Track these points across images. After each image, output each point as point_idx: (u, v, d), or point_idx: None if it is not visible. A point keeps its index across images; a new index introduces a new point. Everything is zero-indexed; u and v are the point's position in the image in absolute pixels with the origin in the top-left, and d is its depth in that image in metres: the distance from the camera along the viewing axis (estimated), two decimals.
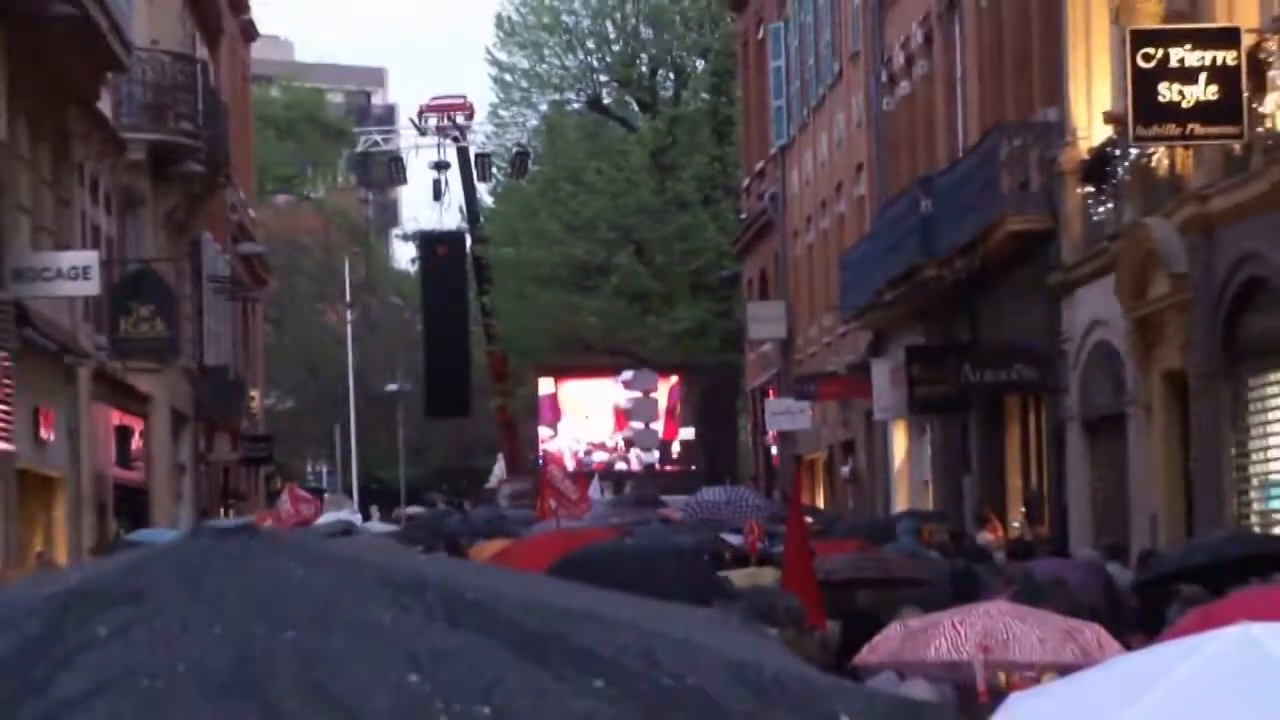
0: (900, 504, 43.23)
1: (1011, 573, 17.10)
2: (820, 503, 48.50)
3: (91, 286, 35.22)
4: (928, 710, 1.80)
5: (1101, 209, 30.24)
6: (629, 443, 76.34)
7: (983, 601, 12.84)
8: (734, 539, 23.32)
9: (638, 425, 76.58)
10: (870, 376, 45.91)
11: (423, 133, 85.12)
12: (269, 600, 1.96)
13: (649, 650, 1.99)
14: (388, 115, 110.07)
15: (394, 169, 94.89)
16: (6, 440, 30.38)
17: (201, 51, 53.12)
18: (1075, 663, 9.78)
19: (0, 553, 25.99)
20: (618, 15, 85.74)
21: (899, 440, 46.69)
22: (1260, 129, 23.66)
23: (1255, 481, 25.20)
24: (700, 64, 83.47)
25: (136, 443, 44.53)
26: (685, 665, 1.99)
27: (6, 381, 29.01)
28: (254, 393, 67.00)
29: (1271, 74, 23.33)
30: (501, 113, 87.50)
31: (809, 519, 23.04)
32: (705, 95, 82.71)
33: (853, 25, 51.22)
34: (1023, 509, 36.35)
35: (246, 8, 68.58)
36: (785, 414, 52.80)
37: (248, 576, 2.01)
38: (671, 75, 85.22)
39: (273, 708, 1.80)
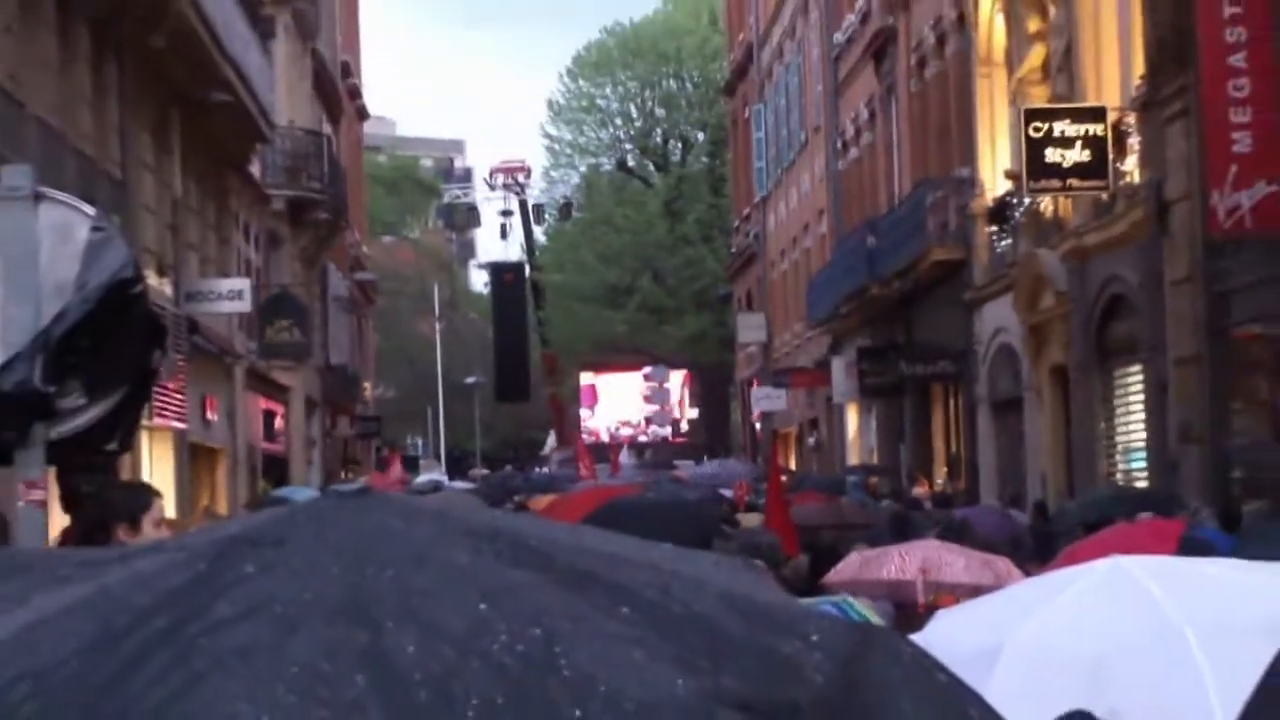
0: (852, 462, 43.27)
1: (937, 517, 17.10)
2: (793, 464, 48.34)
3: (244, 305, 35.26)
4: (876, 631, 1.80)
5: (1003, 243, 30.22)
6: (649, 421, 76.46)
7: (918, 539, 12.89)
8: (727, 493, 23.41)
9: (655, 408, 77.00)
10: (830, 370, 45.88)
11: (492, 188, 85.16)
12: (376, 547, 1.95)
13: (665, 585, 1.97)
14: (465, 175, 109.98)
15: (470, 216, 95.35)
16: (181, 421, 30.42)
17: (326, 128, 53.09)
18: (990, 585, 9.81)
19: (176, 506, 25.96)
20: (639, 99, 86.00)
21: (851, 417, 46.66)
22: (1121, 182, 23.68)
23: (1119, 448, 25.25)
24: (701, 135, 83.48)
25: (278, 423, 44.58)
26: (693, 596, 1.97)
27: (181, 377, 29.05)
28: (366, 384, 67.06)
29: (1130, 141, 23.35)
30: (551, 173, 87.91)
31: (784, 477, 23.10)
32: (704, 159, 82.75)
33: (814, 106, 51.14)
34: (945, 469, 36.34)
35: (359, 94, 68.60)
36: (766, 399, 52.76)
37: (361, 528, 2.00)
38: (679, 144, 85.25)
39: (376, 628, 1.79)
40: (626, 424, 75.28)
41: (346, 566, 1.92)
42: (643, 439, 70.56)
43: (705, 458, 54.30)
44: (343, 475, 46.09)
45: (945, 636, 5.45)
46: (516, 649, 1.81)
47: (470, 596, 1.88)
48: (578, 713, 1.77)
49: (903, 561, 11.46)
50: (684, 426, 76.77)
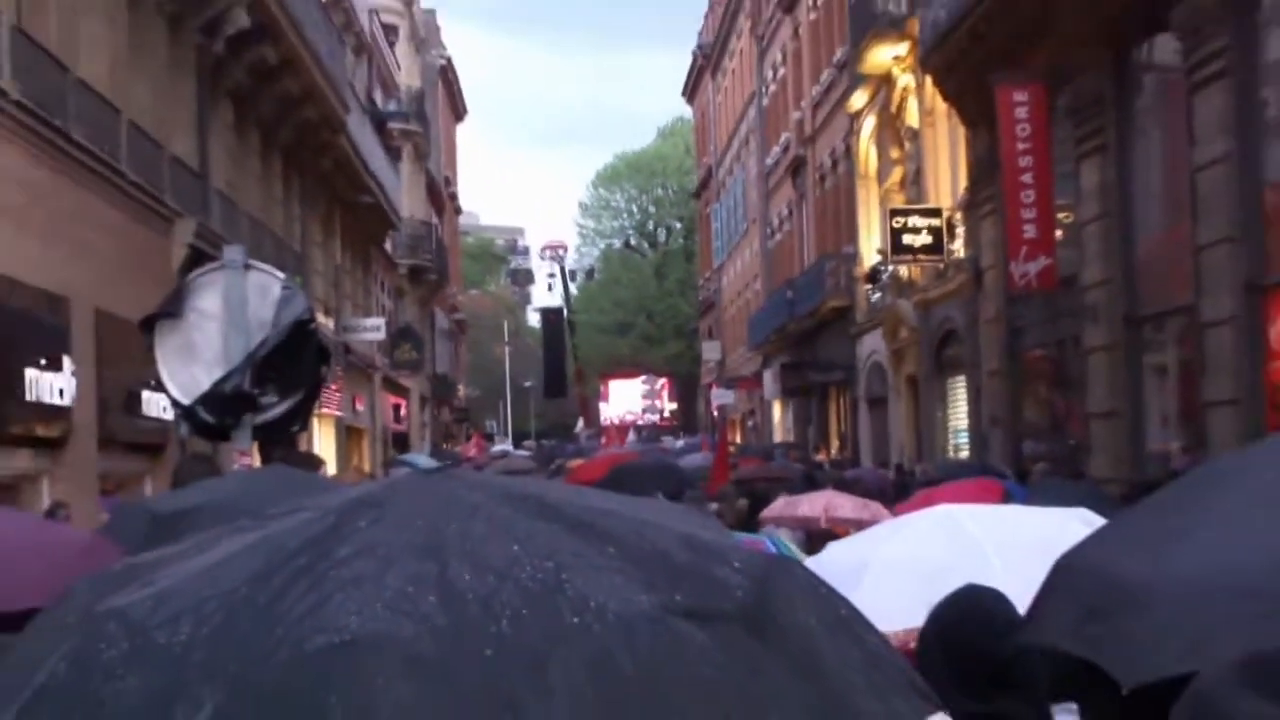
0: (777, 439, 43.14)
1: (833, 475, 17.00)
2: (739, 439, 48.09)
3: (380, 335, 35.23)
4: (781, 560, 1.81)
5: (875, 296, 30.16)
6: (644, 411, 76.44)
7: (820, 490, 12.84)
8: (697, 456, 23.43)
9: (648, 403, 77.22)
10: (762, 378, 45.77)
11: (542, 259, 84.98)
12: (445, 508, 1.97)
13: (639, 530, 1.98)
14: (524, 250, 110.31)
15: (527, 277, 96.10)
16: (339, 411, 30.46)
17: (433, 219, 53.11)
18: (869, 520, 9.74)
19: (336, 467, 25.94)
20: (638, 201, 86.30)
21: (776, 409, 46.49)
22: (952, 257, 23.67)
23: (950, 430, 25.20)
24: (678, 225, 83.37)
25: (402, 411, 44.45)
26: (657, 537, 1.99)
27: (339, 382, 29.09)
28: (460, 386, 66.97)
29: (957, 230, 23.35)
30: (581, 249, 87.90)
31: (731, 448, 23.09)
32: (681, 240, 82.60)
33: (752, 206, 50.97)
34: (837, 442, 36.22)
35: (455, 196, 68.55)
36: (721, 396, 52.28)
37: (438, 495, 2.02)
38: (665, 230, 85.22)
39: (444, 563, 1.81)
40: (630, 413, 75.05)
41: (426, 521, 1.96)
42: (640, 423, 70.39)
43: (680, 435, 54.34)
44: (444, 446, 46.03)
45: (834, 556, 5.48)
46: (537, 576, 1.84)
47: (507, 541, 1.92)
48: (575, 620, 1.79)
49: (811, 504, 11.43)
50: (666, 415, 76.68)
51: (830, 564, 5.16)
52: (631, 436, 49.85)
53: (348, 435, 33.30)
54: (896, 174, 28.47)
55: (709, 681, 1.79)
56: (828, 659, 1.91)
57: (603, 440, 47.46)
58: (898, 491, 14.98)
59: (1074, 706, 3.36)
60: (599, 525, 2.01)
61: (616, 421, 70.31)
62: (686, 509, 3.26)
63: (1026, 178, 17.80)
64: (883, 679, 1.96)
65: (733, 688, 1.80)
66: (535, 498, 2.10)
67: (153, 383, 12.49)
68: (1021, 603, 3.16)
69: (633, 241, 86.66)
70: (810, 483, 14.93)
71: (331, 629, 1.77)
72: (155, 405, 16.04)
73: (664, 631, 1.81)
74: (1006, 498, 9.16)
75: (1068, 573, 2.84)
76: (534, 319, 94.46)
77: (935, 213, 24.15)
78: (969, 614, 3.53)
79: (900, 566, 4.85)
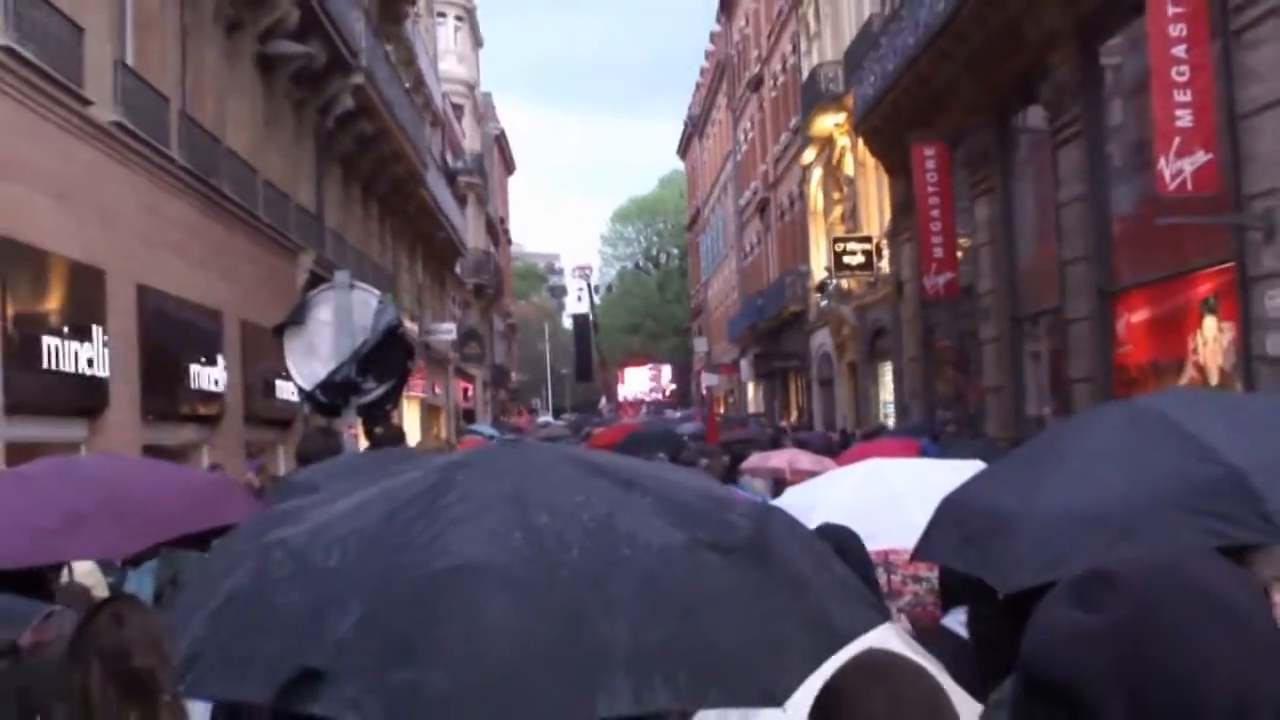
0: (751, 410, 42.97)
1: (794, 438, 16.96)
2: (722, 411, 48.02)
3: (452, 336, 35.10)
4: (775, 510, 1.84)
5: (824, 302, 30.04)
6: (651, 390, 75.99)
7: (784, 449, 12.74)
8: (688, 426, 23.28)
9: (654, 384, 76.67)
10: (739, 365, 45.75)
11: (573, 277, 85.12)
12: (525, 466, 2.00)
13: (669, 486, 2.02)
14: (560, 271, 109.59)
15: (562, 291, 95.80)
16: (422, 393, 30.43)
17: (491, 248, 53.05)
18: (820, 471, 9.67)
19: (420, 436, 25.95)
20: (645, 233, 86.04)
21: (751, 388, 46.32)
22: (880, 273, 23.59)
23: (881, 403, 25.13)
24: (675, 250, 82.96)
25: (470, 393, 44.43)
26: (680, 492, 2.02)
27: (421, 372, 29.06)
28: (513, 374, 66.78)
29: (884, 252, 23.26)
30: (603, 269, 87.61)
31: (717, 418, 22.98)
32: (677, 261, 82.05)
33: (730, 236, 50.85)
34: (796, 413, 36.13)
35: (508, 231, 68.36)
36: (709, 379, 52.50)
37: (515, 457, 2.05)
38: (665, 255, 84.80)
39: (526, 509, 1.83)
40: (640, 393, 74.71)
41: (509, 478, 1.97)
42: (648, 400, 70.10)
43: (678, 408, 54.11)
44: (501, 419, 45.93)
45: (791, 500, 5.49)
46: (596, 519, 1.87)
47: (572, 493, 1.94)
48: (627, 551, 1.83)
49: (778, 459, 11.34)
50: (668, 393, 76.29)
51: (788, 505, 5.17)
52: (642, 411, 49.68)
53: (428, 412, 33.27)
54: (838, 211, 28.38)
55: (726, 594, 1.83)
56: (809, 579, 1.96)
57: (622, 415, 47.53)
58: (841, 448, 14.97)
59: (962, 615, 3.37)
60: (639, 482, 2.03)
61: (631, 399, 70.13)
62: (696, 471, 3.30)
63: (935, 213, 17.79)
64: (848, 594, 2.01)
65: (743, 599, 1.84)
66: (590, 461, 2.13)
67: (283, 374, 12.55)
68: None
69: (641, 264, 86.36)
70: (775, 443, 14.90)
71: (445, 556, 1.79)
72: (285, 391, 16.11)
73: (690, 559, 1.85)
74: (922, 453, 9.17)
75: (951, 506, 2.86)
76: (567, 322, 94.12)
77: (867, 239, 24.06)
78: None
79: (840, 505, 4.87)
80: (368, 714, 1.63)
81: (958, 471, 4.90)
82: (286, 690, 1.68)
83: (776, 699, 1.72)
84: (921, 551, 2.86)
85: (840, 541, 3.53)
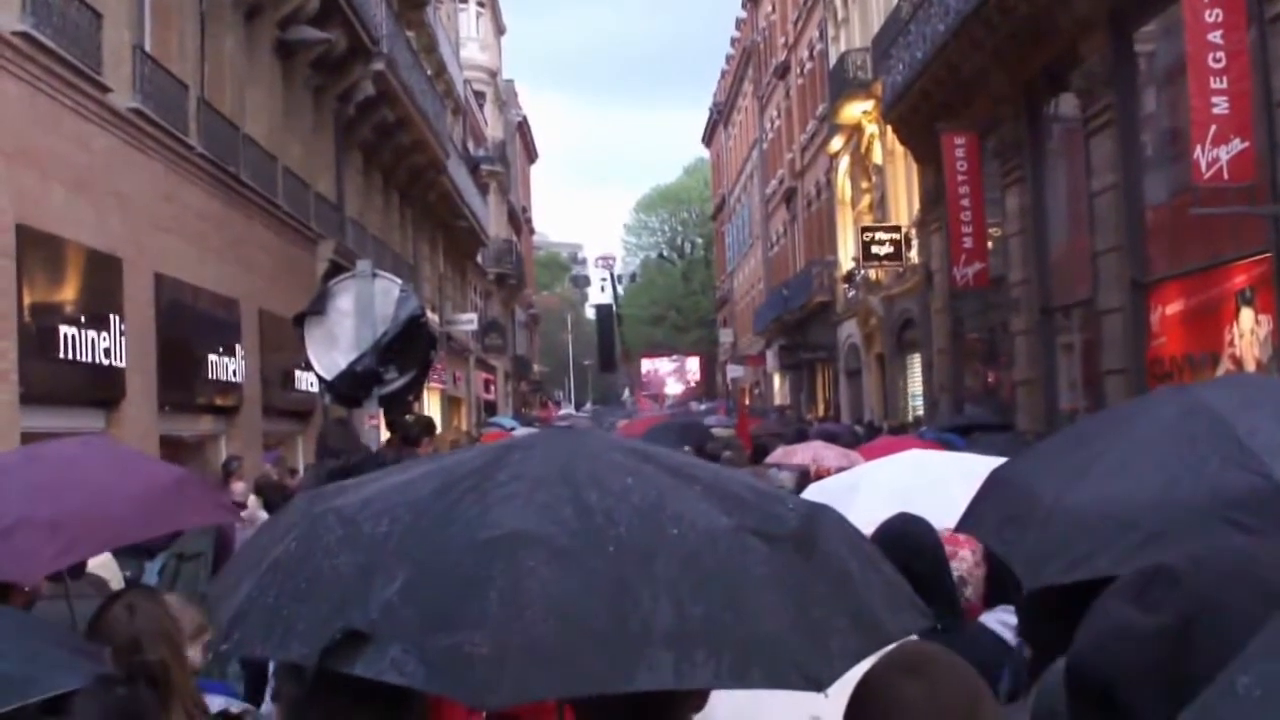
0: (777, 403, 42.89)
1: (820, 430, 16.88)
2: (747, 403, 47.97)
3: (474, 327, 35.29)
4: (830, 510, 1.84)
5: (851, 294, 30.02)
6: (676, 383, 76.16)
7: (810, 441, 12.70)
8: (712, 420, 23.28)
9: (678, 375, 77.02)
10: (765, 356, 45.69)
11: (596, 267, 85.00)
12: (577, 452, 2.01)
13: (718, 477, 2.04)
14: (583, 261, 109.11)
15: (585, 281, 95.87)
16: (443, 384, 30.53)
17: (514, 237, 53.11)
18: (846, 466, 9.64)
19: (441, 427, 26.06)
20: (669, 222, 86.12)
21: (776, 380, 46.25)
22: (909, 263, 23.52)
23: (910, 396, 25.06)
24: (700, 240, 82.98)
25: (492, 385, 44.63)
26: (728, 481, 2.03)
27: (443, 363, 29.15)
28: (535, 365, 66.92)
29: (914, 242, 23.20)
30: (626, 259, 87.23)
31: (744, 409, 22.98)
32: (702, 251, 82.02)
33: (756, 225, 50.89)
34: (823, 405, 36.09)
35: (530, 221, 68.49)
36: (734, 370, 52.45)
37: (569, 444, 2.06)
38: (690, 244, 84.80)
39: (576, 488, 1.84)
40: (665, 385, 74.82)
41: (561, 460, 1.99)
42: (672, 393, 70.19)
43: (703, 400, 54.10)
44: (523, 410, 46.08)
45: (829, 484, 5.52)
46: (646, 500, 1.89)
47: (622, 475, 1.95)
48: (674, 531, 1.83)
49: (803, 452, 11.32)
50: (693, 384, 76.33)
51: (830, 488, 5.19)
52: (669, 403, 49.73)
53: (450, 403, 33.38)
54: (866, 200, 28.29)
55: (772, 580, 1.83)
56: (855, 578, 1.95)
57: (642, 408, 47.50)
58: (866, 439, 14.91)
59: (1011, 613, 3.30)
60: (687, 470, 2.05)
61: (654, 391, 70.18)
62: (746, 472, 3.32)
63: (964, 202, 17.71)
64: (895, 596, 2.01)
65: (788, 585, 1.84)
66: (641, 450, 2.14)
67: (302, 364, 12.60)
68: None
69: (665, 253, 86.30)
70: (801, 436, 14.89)
71: (494, 526, 1.81)
72: (304, 381, 16.18)
73: (737, 542, 1.85)
74: (951, 447, 9.11)
75: (997, 483, 2.82)
76: (590, 313, 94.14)
77: (896, 229, 23.98)
78: (898, 537, 3.40)
79: (883, 486, 4.85)
80: (410, 675, 1.65)
81: (997, 464, 4.90)
82: (329, 651, 1.69)
83: (821, 684, 1.70)
84: (965, 523, 2.82)
85: (915, 535, 3.51)
